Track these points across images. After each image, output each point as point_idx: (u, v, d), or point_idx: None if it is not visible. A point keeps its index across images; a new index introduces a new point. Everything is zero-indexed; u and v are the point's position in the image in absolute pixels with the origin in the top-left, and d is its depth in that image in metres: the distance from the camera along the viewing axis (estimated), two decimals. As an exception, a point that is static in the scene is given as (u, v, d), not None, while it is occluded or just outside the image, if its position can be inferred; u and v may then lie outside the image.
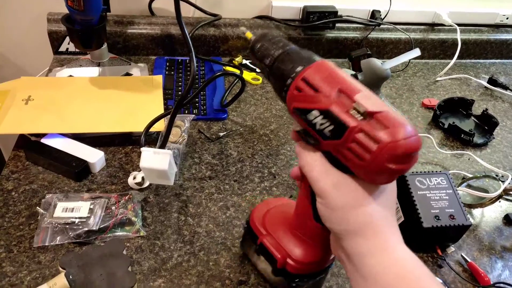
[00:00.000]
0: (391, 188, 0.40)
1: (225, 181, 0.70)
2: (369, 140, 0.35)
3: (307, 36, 1.04)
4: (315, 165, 0.40)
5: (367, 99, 0.36)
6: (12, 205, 0.62)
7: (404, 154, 0.34)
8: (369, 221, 0.38)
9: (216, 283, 0.55)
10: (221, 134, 0.79)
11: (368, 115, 0.35)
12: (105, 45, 0.87)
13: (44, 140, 0.70)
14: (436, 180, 0.63)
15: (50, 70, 0.90)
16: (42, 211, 0.59)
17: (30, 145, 0.69)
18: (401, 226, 0.63)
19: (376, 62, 0.77)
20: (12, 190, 0.64)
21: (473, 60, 1.17)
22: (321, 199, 0.40)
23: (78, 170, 0.66)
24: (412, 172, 0.64)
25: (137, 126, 0.73)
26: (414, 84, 1.04)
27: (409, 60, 1.07)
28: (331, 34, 1.06)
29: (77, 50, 0.95)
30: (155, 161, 0.58)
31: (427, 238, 0.60)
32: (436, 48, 1.13)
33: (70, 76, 0.85)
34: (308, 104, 0.39)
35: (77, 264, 0.50)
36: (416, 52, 0.74)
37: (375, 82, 0.78)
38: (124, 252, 0.53)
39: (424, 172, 0.64)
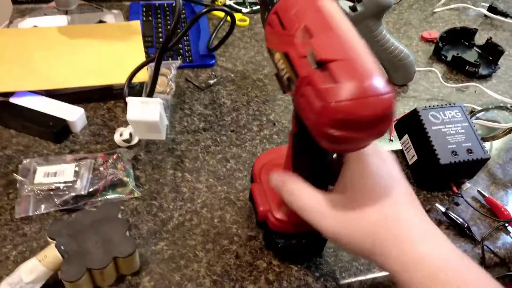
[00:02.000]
0: (386, 172, 0.36)
1: (221, 132, 0.64)
2: (315, 96, 0.28)
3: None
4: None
5: (327, 42, 0.28)
6: (-14, 174, 0.55)
7: (347, 119, 0.27)
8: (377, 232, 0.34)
9: (223, 241, 0.51)
10: (211, 81, 0.72)
11: (323, 63, 0.28)
12: (71, -10, 0.77)
13: (13, 100, 0.61)
14: (450, 113, 0.58)
15: (11, 22, 0.79)
16: (20, 178, 0.53)
17: (-2, 107, 0.61)
18: (415, 166, 0.59)
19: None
20: (-16, 157, 0.57)
21: (470, -12, 1.10)
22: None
23: (56, 130, 0.58)
24: (425, 107, 0.59)
25: (118, 77, 0.65)
26: (410, 17, 0.97)
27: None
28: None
29: (39, -2, 0.84)
30: (144, 112, 0.51)
31: (443, 176, 0.57)
32: (432, -24, 1.05)
33: (35, 26, 0.75)
34: (274, 44, 0.32)
35: (68, 233, 0.45)
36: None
37: (375, 13, 0.71)
38: (120, 216, 0.48)
39: (438, 106, 0.59)
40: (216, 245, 0.50)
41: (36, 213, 0.51)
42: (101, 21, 0.79)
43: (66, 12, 0.78)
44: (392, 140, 0.66)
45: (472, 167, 0.57)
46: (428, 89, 0.77)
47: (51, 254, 0.43)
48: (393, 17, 0.98)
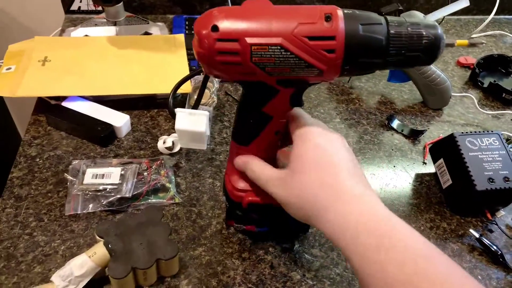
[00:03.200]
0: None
1: (258, 145, 0.66)
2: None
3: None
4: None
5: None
6: (38, 172, 0.58)
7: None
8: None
9: (259, 251, 0.52)
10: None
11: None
12: (121, 3, 0.81)
13: (65, 104, 0.65)
14: (488, 140, 0.59)
15: (63, 31, 0.85)
16: (70, 177, 0.56)
17: (51, 109, 0.65)
18: (449, 190, 0.60)
19: (418, 15, 0.71)
20: (36, 156, 0.60)
21: (507, 16, 1.10)
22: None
23: (104, 135, 0.62)
24: (462, 133, 0.60)
25: (163, 87, 0.68)
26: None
27: (445, 16, 1.00)
28: (358, -12, 0.99)
29: (89, 8, 0.89)
30: (191, 122, 0.54)
31: (479, 202, 0.57)
32: (470, 3, 1.06)
33: (86, 36, 0.80)
34: None
35: (115, 233, 0.47)
36: (465, 2, 0.68)
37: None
38: (162, 220, 0.50)
39: (475, 132, 0.60)
40: (252, 254, 0.52)
41: (84, 211, 0.53)
42: (146, 33, 0.83)
43: (114, 23, 0.83)
44: (425, 163, 0.67)
45: (508, 195, 0.57)
46: (463, 115, 0.78)
47: (100, 251, 0.45)
48: (429, 41, 0.99)
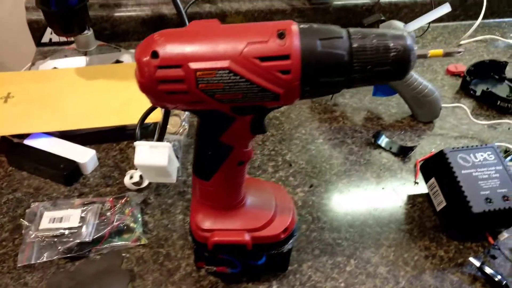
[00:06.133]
0: None
1: (235, 174, 0.62)
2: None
3: (312, 5, 0.94)
4: None
5: None
6: (-6, 218, 0.54)
7: None
8: None
9: (233, 295, 0.47)
10: (227, 120, 0.70)
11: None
12: (91, 31, 0.78)
13: (27, 141, 0.61)
14: (482, 155, 0.54)
15: (33, 64, 0.81)
16: (26, 223, 0.51)
17: (12, 148, 0.61)
18: (443, 212, 0.54)
19: (398, 24, 0.67)
20: (-7, 201, 0.56)
21: (497, 20, 1.06)
22: None
23: (66, 173, 0.57)
24: (453, 148, 0.54)
25: (132, 118, 0.64)
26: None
27: (429, 23, 0.96)
28: (338, 1, 0.95)
29: (61, 40, 0.86)
30: (152, 156, 0.49)
31: (477, 225, 0.52)
32: (456, 8, 1.02)
33: (55, 68, 0.76)
34: None
35: (68, 285, 0.42)
36: (446, 7, 0.64)
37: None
38: (123, 265, 0.45)
39: (467, 147, 0.55)
40: (225, 300, 0.47)
41: (39, 261, 0.49)
42: (118, 61, 0.79)
43: (85, 53, 0.80)
44: (417, 183, 0.62)
45: (509, 215, 0.51)
46: (456, 126, 0.73)
47: (47, 310, 0.40)
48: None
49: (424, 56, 0.35)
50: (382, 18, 0.87)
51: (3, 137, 0.64)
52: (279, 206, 0.46)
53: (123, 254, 0.50)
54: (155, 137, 0.57)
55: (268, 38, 0.32)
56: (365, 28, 0.34)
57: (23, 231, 0.51)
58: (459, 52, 0.36)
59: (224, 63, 0.32)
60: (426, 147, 0.68)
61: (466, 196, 0.50)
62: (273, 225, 0.44)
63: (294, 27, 0.32)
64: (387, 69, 0.33)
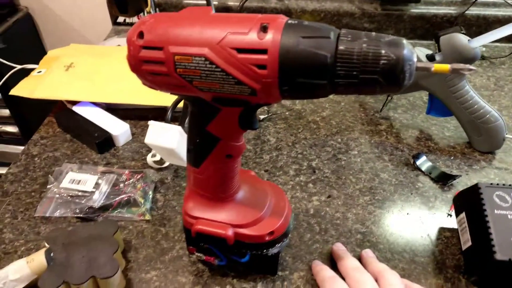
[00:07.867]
0: None
1: (254, 170, 0.61)
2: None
3: (385, 11, 0.89)
4: None
5: None
6: (32, 170, 0.60)
7: None
8: None
9: (215, 287, 0.47)
10: (262, 117, 0.70)
11: None
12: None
13: (75, 108, 0.67)
14: (524, 197, 0.46)
15: (105, 40, 0.89)
16: (52, 179, 0.56)
17: (61, 112, 0.67)
18: (467, 253, 0.48)
19: (460, 38, 0.60)
20: (36, 155, 0.63)
21: None
22: None
23: (98, 141, 0.62)
24: (491, 184, 0.47)
25: (170, 101, 0.66)
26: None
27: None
28: (416, 9, 0.88)
29: (133, 21, 0.92)
30: (163, 137, 0.51)
31: (499, 274, 0.44)
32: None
33: (118, 45, 0.82)
34: None
35: (63, 242, 0.46)
36: (517, 24, 0.55)
37: (458, 65, 0.61)
38: (116, 235, 0.47)
39: (510, 185, 0.47)
40: (204, 290, 0.46)
41: (54, 215, 0.53)
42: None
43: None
44: (450, 215, 0.55)
45: (543, 272, 0.43)
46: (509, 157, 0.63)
47: (38, 259, 0.44)
48: (500, 71, 0.84)
49: (427, 70, 0.31)
50: (463, 31, 0.79)
51: (61, 102, 0.71)
52: (272, 209, 0.44)
53: (129, 226, 0.52)
54: (167, 117, 0.59)
55: (249, 29, 0.31)
56: (364, 31, 0.31)
57: (47, 186, 0.56)
58: (470, 70, 0.30)
59: (201, 50, 0.31)
60: (475, 180, 0.60)
61: (492, 239, 0.43)
62: (259, 226, 0.43)
63: (280, 21, 0.31)
64: (375, 78, 0.29)
